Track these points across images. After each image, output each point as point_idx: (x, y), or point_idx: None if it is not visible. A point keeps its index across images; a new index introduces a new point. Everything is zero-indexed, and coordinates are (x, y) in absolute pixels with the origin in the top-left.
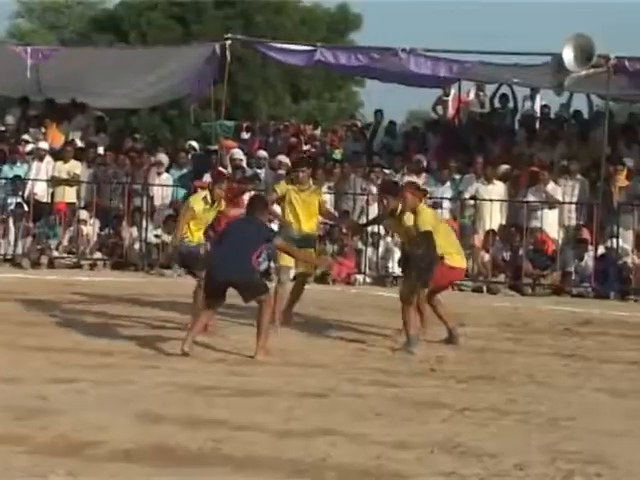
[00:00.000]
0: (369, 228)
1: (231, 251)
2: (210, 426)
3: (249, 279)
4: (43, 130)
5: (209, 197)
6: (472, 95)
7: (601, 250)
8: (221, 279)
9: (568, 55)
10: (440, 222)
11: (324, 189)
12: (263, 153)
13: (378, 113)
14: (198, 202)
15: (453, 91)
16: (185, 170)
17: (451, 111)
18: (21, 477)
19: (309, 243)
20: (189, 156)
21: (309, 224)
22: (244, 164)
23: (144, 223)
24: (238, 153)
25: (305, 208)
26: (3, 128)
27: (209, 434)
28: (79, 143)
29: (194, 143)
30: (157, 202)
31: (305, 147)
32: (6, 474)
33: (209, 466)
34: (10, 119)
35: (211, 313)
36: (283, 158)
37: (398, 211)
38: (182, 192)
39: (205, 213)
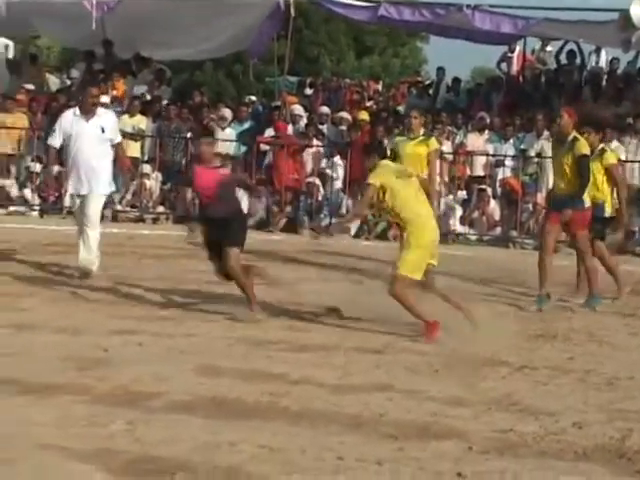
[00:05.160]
0: None
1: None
2: (268, 380)
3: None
4: (106, 84)
5: None
6: (536, 52)
7: None
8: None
9: (636, 11)
10: None
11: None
12: (325, 109)
13: (440, 70)
14: None
15: (518, 48)
16: (246, 125)
17: (515, 68)
18: (82, 427)
19: None
20: (249, 110)
21: None
22: (304, 120)
23: None
24: (298, 109)
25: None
26: (69, 82)
27: (266, 388)
28: (147, 97)
29: (253, 97)
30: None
31: (368, 103)
32: (67, 423)
33: (266, 419)
34: (75, 73)
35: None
36: (345, 114)
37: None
38: (244, 147)
39: None
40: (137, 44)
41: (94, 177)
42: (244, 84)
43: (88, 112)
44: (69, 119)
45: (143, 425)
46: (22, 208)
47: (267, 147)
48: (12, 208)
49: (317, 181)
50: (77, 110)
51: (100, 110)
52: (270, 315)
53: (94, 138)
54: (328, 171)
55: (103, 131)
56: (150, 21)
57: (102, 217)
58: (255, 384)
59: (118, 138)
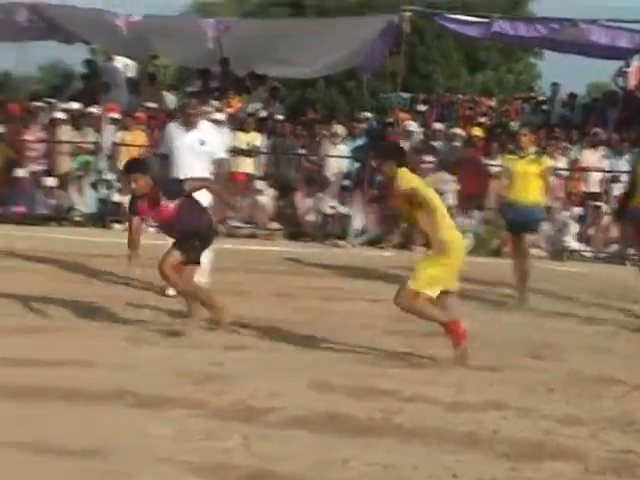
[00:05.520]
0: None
1: None
2: (380, 396)
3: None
4: (221, 102)
5: None
6: None
7: None
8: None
9: None
10: None
11: (498, 161)
12: (439, 125)
13: (555, 86)
14: None
15: (635, 63)
16: (360, 141)
17: (633, 83)
18: (198, 441)
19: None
20: (363, 126)
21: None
22: (418, 136)
23: (319, 194)
24: (412, 125)
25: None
26: (185, 100)
27: (379, 404)
28: (262, 114)
29: (368, 114)
30: (333, 173)
31: (481, 119)
32: (184, 437)
33: (379, 436)
34: (192, 90)
35: None
36: (459, 130)
37: None
38: (357, 164)
39: None
40: (252, 62)
41: None
42: (356, 100)
43: (188, 124)
44: (171, 131)
45: (258, 440)
46: None
47: None
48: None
49: None
50: (178, 122)
51: (203, 124)
52: (383, 332)
53: (193, 150)
54: (440, 187)
55: (203, 144)
56: (265, 40)
57: (217, 232)
58: (368, 400)
59: (220, 153)
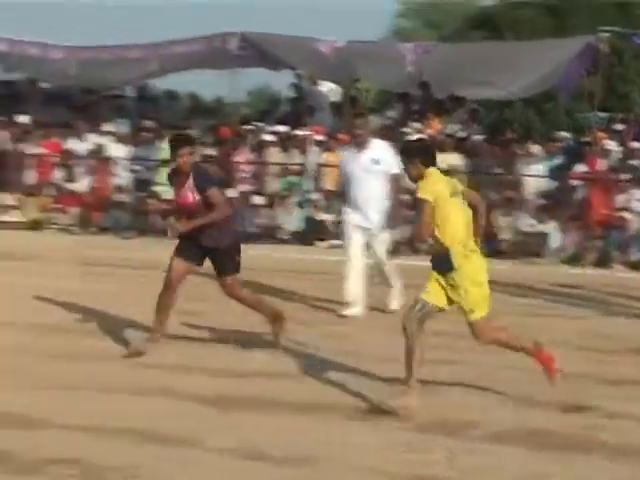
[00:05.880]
0: None
1: None
2: (581, 412)
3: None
4: (423, 124)
5: None
6: None
7: None
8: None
9: None
10: None
11: None
12: (637, 144)
13: None
14: None
15: None
16: (557, 161)
17: None
18: (402, 453)
19: None
20: (560, 145)
21: None
22: (616, 155)
23: (517, 212)
24: (610, 144)
25: None
26: (387, 121)
27: (580, 420)
28: (461, 134)
29: (566, 134)
30: (530, 192)
31: None
32: (388, 447)
33: (584, 452)
34: (393, 113)
35: None
36: None
37: None
38: (554, 183)
39: None
40: (452, 85)
41: (371, 211)
42: (553, 120)
43: (359, 145)
44: (345, 156)
45: (461, 454)
46: (336, 242)
47: (578, 182)
48: (332, 241)
49: (627, 215)
50: (350, 146)
51: (375, 142)
52: (577, 349)
53: (367, 171)
54: (636, 205)
55: (377, 163)
56: (464, 63)
57: (398, 251)
58: (571, 416)
59: (394, 169)
